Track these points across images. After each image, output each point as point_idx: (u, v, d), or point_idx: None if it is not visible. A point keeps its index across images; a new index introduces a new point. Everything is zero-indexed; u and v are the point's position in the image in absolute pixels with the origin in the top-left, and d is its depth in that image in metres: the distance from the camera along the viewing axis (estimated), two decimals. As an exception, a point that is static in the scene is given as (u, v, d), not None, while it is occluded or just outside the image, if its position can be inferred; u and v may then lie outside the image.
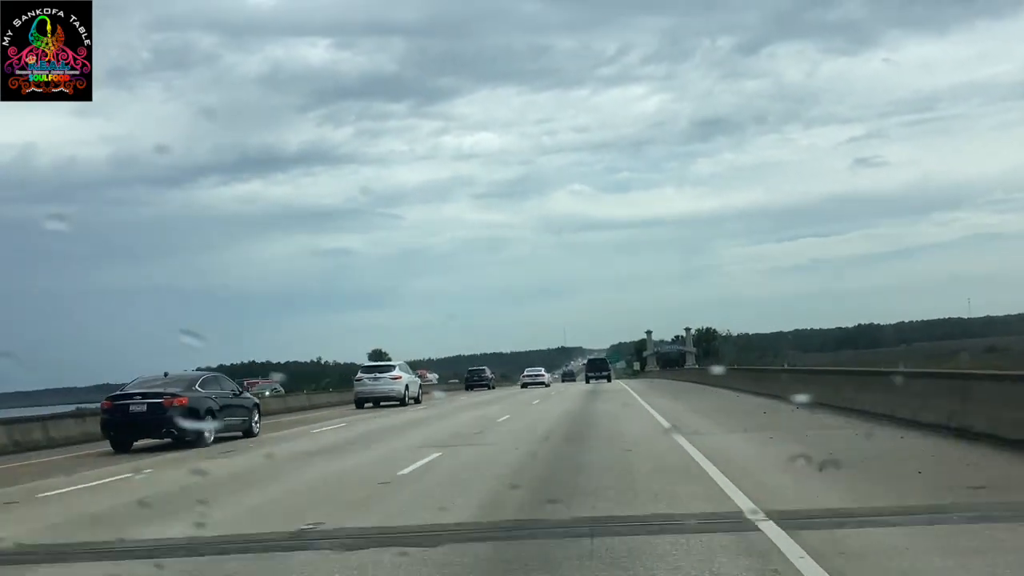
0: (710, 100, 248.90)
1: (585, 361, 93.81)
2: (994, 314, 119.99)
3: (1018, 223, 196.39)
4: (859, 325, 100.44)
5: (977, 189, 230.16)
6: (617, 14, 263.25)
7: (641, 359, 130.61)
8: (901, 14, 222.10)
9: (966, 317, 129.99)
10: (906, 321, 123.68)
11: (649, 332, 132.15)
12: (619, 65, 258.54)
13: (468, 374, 45.18)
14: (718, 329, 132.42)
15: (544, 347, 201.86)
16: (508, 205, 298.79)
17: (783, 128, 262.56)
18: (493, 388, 44.56)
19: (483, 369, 46.62)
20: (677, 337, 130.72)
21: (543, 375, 47.63)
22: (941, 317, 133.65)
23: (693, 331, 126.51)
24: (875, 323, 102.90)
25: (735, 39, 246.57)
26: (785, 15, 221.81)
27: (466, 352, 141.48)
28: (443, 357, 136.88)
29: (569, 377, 74.25)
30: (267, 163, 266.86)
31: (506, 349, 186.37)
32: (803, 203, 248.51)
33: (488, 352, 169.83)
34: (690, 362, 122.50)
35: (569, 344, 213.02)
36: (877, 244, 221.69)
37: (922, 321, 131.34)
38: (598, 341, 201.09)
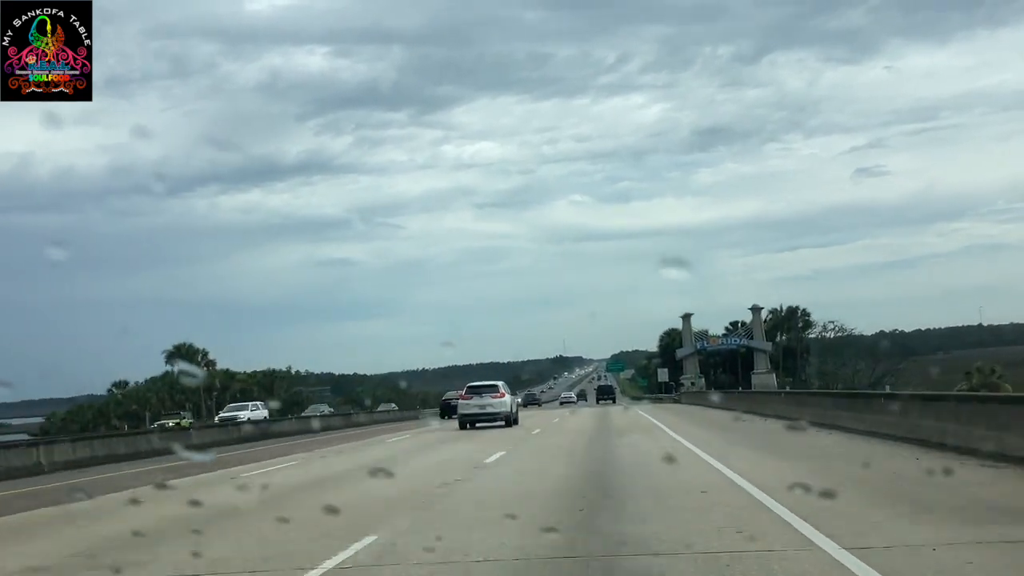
0: (711, 109, 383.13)
1: (584, 370, 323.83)
2: (1017, 321, 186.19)
3: (1020, 233, 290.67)
4: (880, 332, 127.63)
5: (979, 199, 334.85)
6: (617, 22, 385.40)
7: (672, 363, 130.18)
8: (903, 23, 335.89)
9: (986, 324, 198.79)
10: (923, 329, 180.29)
11: (687, 317, 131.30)
12: (620, 73, 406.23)
13: (526, 396, 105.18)
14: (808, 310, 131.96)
15: (542, 356, 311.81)
16: (509, 215, 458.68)
17: (784, 137, 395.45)
18: (541, 405, 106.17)
19: (535, 392, 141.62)
20: (737, 325, 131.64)
21: (574, 397, 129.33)
22: (961, 324, 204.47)
23: (766, 313, 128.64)
24: (898, 330, 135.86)
25: (736, 48, 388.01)
26: (786, 24, 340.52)
27: (461, 363, 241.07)
28: (437, 367, 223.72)
29: (582, 398, 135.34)
30: (266, 172, 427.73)
31: (503, 359, 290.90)
32: (804, 213, 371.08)
33: (485, 362, 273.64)
34: (761, 366, 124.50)
35: (568, 354, 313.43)
36: (879, 255, 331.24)
37: (947, 328, 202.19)
38: (597, 351, 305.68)
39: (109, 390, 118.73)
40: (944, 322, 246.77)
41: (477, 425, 42.29)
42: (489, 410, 42.36)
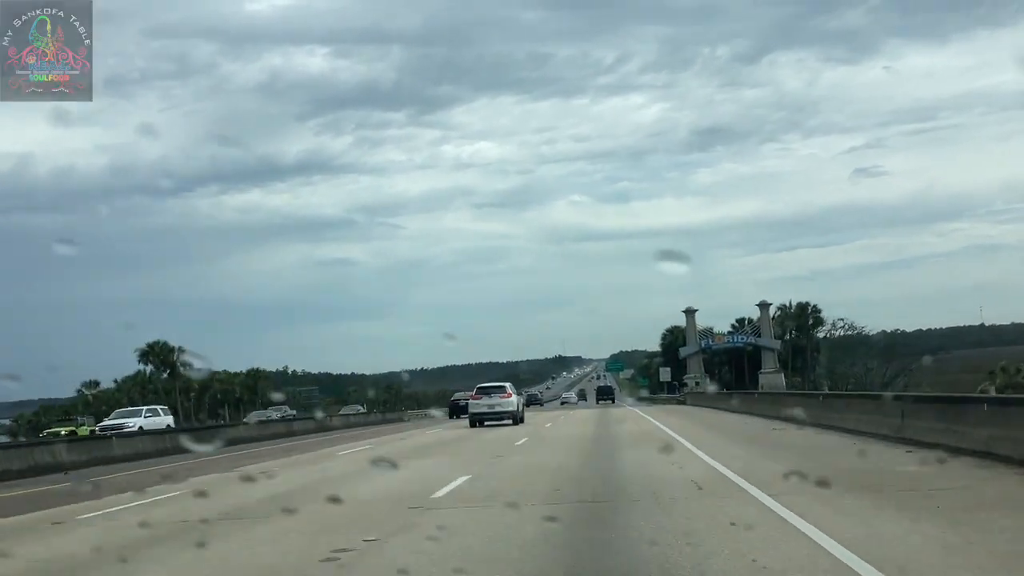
0: (710, 109, 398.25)
1: (583, 370, 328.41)
2: (1018, 321, 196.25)
3: (1017, 234, 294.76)
4: (881, 332, 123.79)
5: (978, 200, 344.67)
6: (617, 23, 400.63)
7: (675, 362, 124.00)
8: (902, 23, 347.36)
9: (987, 324, 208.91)
10: (923, 329, 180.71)
11: (690, 312, 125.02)
12: (619, 74, 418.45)
13: (528, 396, 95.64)
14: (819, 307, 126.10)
15: (541, 356, 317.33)
16: (508, 215, 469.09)
17: (783, 137, 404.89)
18: (543, 405, 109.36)
19: (537, 393, 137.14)
20: (743, 322, 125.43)
21: (574, 397, 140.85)
22: (962, 324, 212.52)
23: (775, 308, 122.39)
24: (899, 330, 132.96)
25: (735, 48, 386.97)
26: (785, 24, 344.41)
27: (459, 363, 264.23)
28: (435, 367, 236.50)
29: (582, 397, 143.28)
30: (266, 172, 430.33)
31: (502, 359, 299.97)
32: (803, 213, 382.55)
33: (483, 362, 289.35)
34: (769, 365, 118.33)
35: (567, 353, 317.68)
36: (878, 255, 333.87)
37: (947, 328, 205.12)
38: (596, 351, 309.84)
39: (78, 390, 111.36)
40: (944, 322, 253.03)
41: (486, 423, 44.83)
42: (498, 409, 45.41)
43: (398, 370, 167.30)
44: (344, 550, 10.16)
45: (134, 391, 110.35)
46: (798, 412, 33.60)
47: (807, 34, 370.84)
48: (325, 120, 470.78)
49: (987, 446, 17.13)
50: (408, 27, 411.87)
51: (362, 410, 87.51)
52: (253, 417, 73.43)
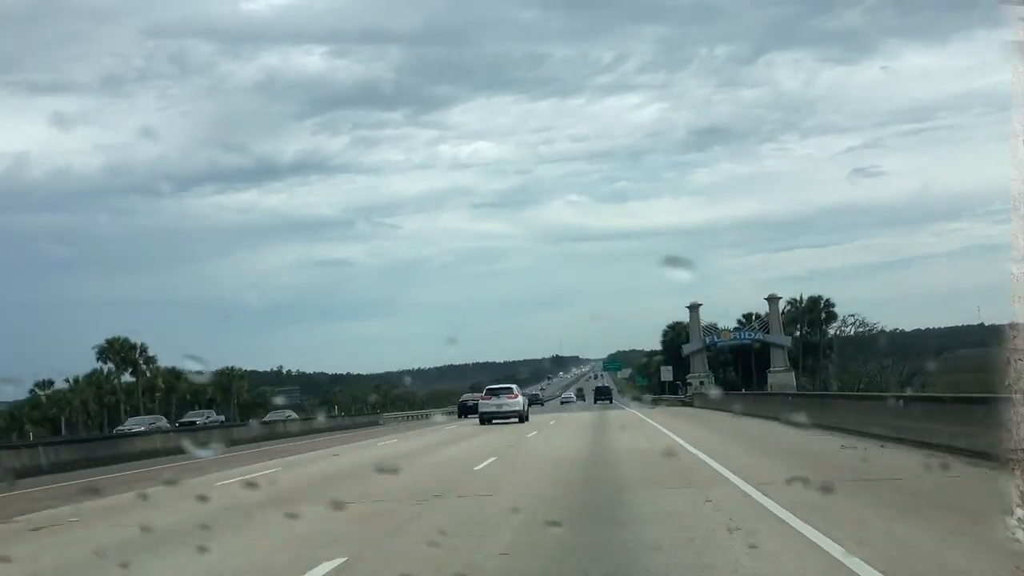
0: (707, 109, 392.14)
1: (580, 369, 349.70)
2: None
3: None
4: (881, 331, 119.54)
5: (976, 200, 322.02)
6: (614, 22, 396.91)
7: (678, 360, 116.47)
8: (900, 23, 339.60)
9: (987, 324, 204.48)
10: (923, 328, 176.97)
11: (695, 307, 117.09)
12: (616, 73, 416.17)
13: (531, 396, 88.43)
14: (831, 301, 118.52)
15: (538, 356, 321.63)
16: (506, 215, 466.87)
17: (781, 137, 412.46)
18: (543, 404, 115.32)
19: (538, 394, 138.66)
20: (751, 318, 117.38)
21: (573, 397, 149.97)
22: (961, 324, 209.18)
23: (784, 303, 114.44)
24: (898, 330, 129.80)
25: (732, 48, 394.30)
26: (783, 24, 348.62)
27: (457, 362, 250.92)
28: (433, 367, 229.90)
29: (580, 397, 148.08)
30: (263, 172, 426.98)
31: (499, 359, 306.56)
32: (801, 213, 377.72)
33: (480, 362, 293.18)
34: (779, 363, 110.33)
35: (565, 353, 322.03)
36: (876, 255, 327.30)
37: (947, 328, 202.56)
38: (594, 351, 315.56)
39: (31, 391, 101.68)
40: (944, 322, 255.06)
41: (494, 421, 47.84)
42: (505, 409, 48.80)
43: (395, 370, 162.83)
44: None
45: (88, 391, 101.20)
46: (865, 421, 25.05)
47: (804, 34, 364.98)
48: (322, 120, 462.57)
49: None
50: (406, 27, 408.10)
51: (294, 416, 73.73)
52: (130, 424, 60.55)
